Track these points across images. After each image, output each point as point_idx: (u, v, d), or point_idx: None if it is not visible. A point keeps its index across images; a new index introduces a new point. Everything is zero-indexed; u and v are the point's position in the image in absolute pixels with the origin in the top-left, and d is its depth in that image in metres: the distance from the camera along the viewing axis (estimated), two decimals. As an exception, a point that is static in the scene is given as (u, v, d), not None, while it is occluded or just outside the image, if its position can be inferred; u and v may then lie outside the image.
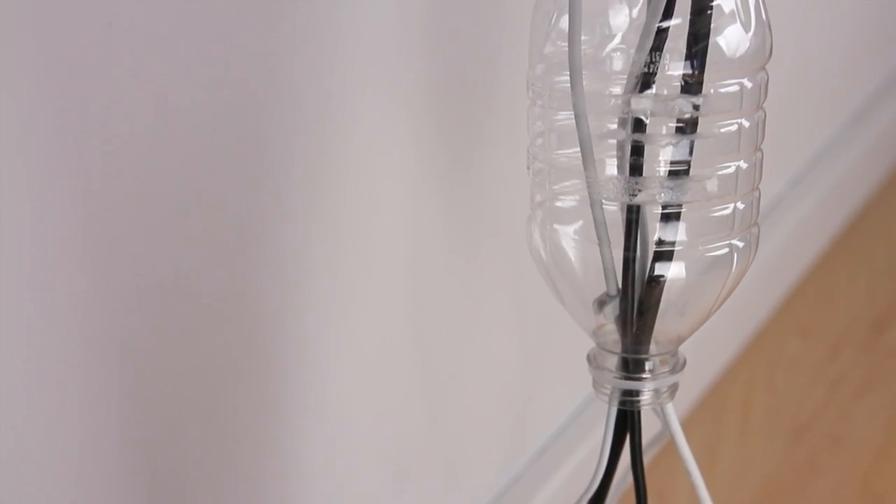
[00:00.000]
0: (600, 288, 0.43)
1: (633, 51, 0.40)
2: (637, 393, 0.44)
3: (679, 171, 0.40)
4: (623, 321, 0.43)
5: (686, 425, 0.90)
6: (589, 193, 0.41)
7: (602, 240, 0.42)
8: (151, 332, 0.43)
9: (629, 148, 0.40)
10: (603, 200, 0.41)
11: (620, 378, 0.44)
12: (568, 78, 0.40)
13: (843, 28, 1.12)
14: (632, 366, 0.44)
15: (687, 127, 0.40)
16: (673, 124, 0.40)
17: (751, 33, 0.40)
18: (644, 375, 0.44)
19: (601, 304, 0.43)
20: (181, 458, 0.47)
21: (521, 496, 0.71)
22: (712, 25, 0.39)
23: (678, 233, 0.41)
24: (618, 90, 0.40)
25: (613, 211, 0.41)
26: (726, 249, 0.42)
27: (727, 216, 0.42)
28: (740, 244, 0.43)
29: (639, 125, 0.40)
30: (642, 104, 0.40)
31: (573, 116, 0.40)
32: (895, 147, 1.30)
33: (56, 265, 0.39)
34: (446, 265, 0.60)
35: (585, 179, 0.41)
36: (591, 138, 0.40)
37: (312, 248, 0.50)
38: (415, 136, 0.55)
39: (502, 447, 0.71)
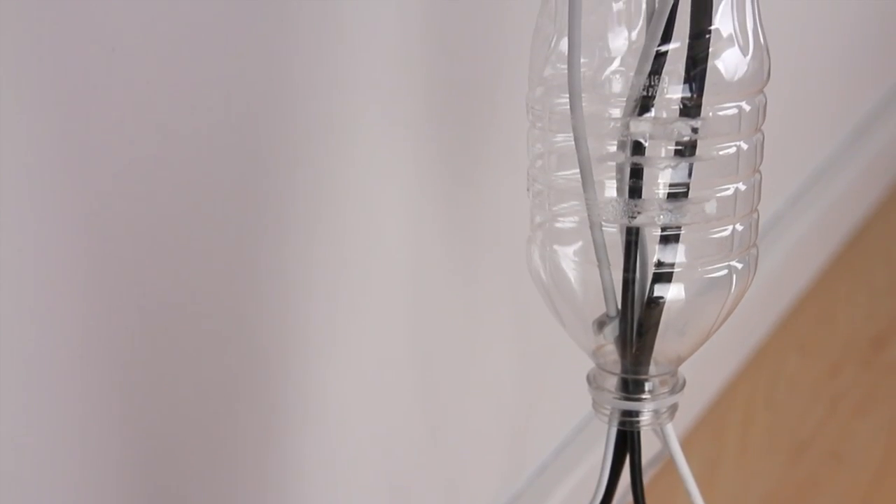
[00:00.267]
0: (600, 309, 0.43)
1: (632, 74, 0.40)
2: (637, 413, 0.44)
3: (678, 194, 0.41)
4: (622, 342, 0.43)
5: (686, 442, 0.90)
6: (588, 215, 0.41)
7: (602, 261, 0.42)
8: (153, 352, 0.44)
9: (628, 170, 0.41)
10: (602, 222, 0.41)
11: (620, 399, 0.44)
12: (567, 100, 0.40)
13: (842, 46, 1.12)
14: (631, 386, 0.44)
15: (686, 150, 0.40)
16: (672, 147, 0.40)
17: (749, 57, 0.40)
18: (644, 396, 0.44)
19: (601, 324, 0.43)
20: (182, 477, 0.47)
21: (522, 514, 0.71)
22: (710, 49, 0.39)
23: (677, 254, 0.41)
24: (617, 113, 0.40)
25: (613, 232, 0.42)
26: (725, 271, 0.43)
27: (726, 238, 0.42)
28: (739, 265, 0.43)
29: (638, 148, 0.40)
30: (641, 127, 0.40)
31: (572, 139, 0.40)
32: (894, 165, 1.31)
33: (58, 286, 0.39)
34: (447, 284, 0.60)
35: (585, 201, 0.41)
36: (590, 161, 0.40)
37: (313, 266, 0.50)
38: (416, 156, 0.55)
39: (502, 465, 0.71)
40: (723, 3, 0.39)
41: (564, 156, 0.42)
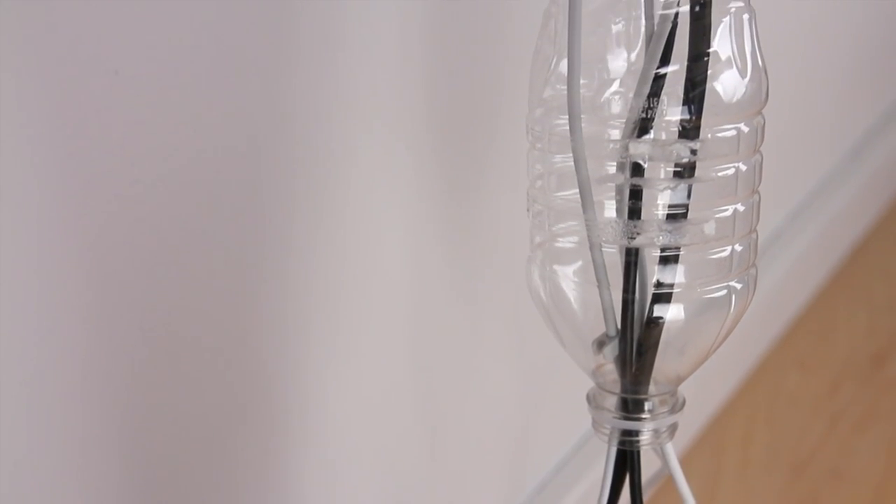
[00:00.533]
0: (599, 328, 0.43)
1: (631, 95, 0.40)
2: (636, 433, 0.44)
3: (677, 215, 0.41)
4: (622, 362, 0.44)
5: (686, 460, 0.90)
6: (588, 236, 0.41)
7: (601, 281, 0.42)
8: (154, 375, 0.44)
9: (628, 192, 0.41)
10: (602, 243, 0.41)
11: (620, 418, 0.44)
12: (567, 121, 0.40)
13: (841, 63, 1.13)
14: (631, 406, 0.44)
15: (685, 171, 0.40)
16: (671, 168, 0.40)
17: (747, 79, 0.41)
18: (643, 416, 0.44)
19: (600, 344, 0.44)
20: (183, 499, 0.47)
21: (522, 532, 0.71)
22: (709, 71, 0.40)
23: (676, 275, 0.42)
24: (616, 134, 0.41)
25: (612, 253, 0.42)
26: (724, 291, 0.43)
27: (725, 258, 0.42)
28: (738, 286, 0.43)
29: (637, 169, 0.41)
30: (640, 149, 0.40)
31: (572, 159, 0.40)
32: (893, 182, 1.31)
33: (59, 306, 0.40)
34: (447, 302, 0.60)
35: (584, 222, 0.41)
36: (589, 181, 0.41)
37: (312, 284, 0.51)
38: (416, 176, 0.55)
39: (502, 483, 0.71)
40: (721, 25, 0.40)
41: (564, 176, 0.42)
